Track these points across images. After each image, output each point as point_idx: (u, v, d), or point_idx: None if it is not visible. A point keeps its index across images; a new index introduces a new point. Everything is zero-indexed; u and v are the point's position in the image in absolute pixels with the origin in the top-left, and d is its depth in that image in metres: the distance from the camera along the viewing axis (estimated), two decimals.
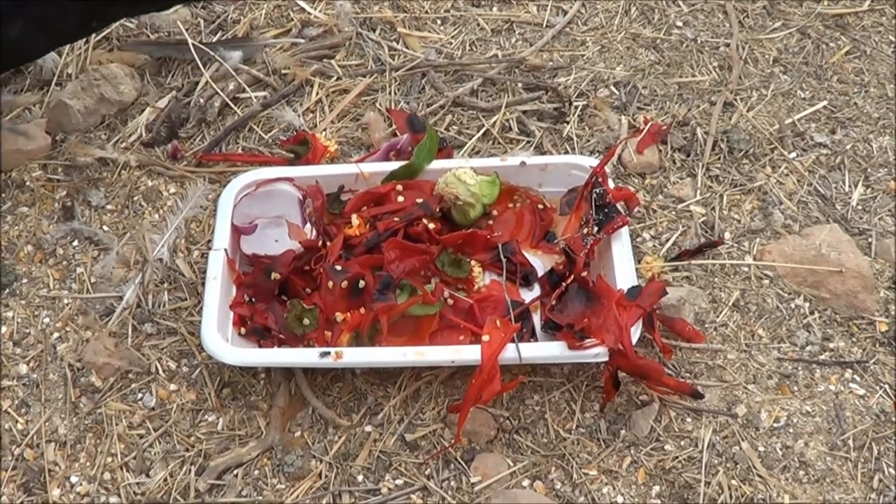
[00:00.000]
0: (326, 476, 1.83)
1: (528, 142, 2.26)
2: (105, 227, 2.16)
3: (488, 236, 2.04)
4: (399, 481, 1.82)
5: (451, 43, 2.49)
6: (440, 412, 1.89)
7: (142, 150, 2.28)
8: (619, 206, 2.00)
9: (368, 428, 1.88)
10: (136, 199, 2.20)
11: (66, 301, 2.05)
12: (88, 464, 1.86)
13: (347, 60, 2.45)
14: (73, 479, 1.84)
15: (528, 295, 1.99)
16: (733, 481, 1.80)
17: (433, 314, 1.92)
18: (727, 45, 2.47)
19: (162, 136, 2.30)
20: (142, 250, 2.09)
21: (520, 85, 2.37)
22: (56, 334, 2.01)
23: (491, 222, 2.08)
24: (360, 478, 1.82)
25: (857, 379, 1.93)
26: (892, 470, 1.82)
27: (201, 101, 2.35)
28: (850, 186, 2.20)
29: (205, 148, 2.26)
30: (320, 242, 2.01)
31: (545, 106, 2.33)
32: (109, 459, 1.86)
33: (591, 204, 1.98)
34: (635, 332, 1.81)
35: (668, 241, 2.10)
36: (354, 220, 2.04)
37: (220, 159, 2.25)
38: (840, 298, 2.01)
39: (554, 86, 2.35)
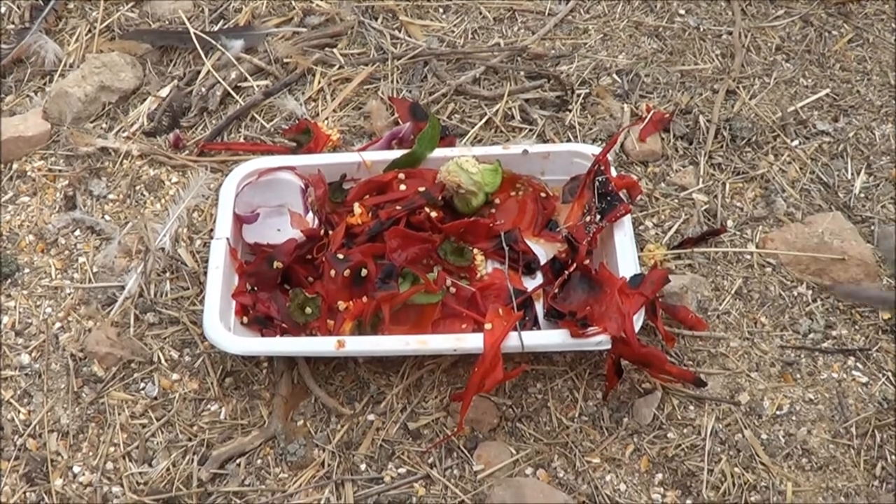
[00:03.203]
0: (329, 465, 1.83)
1: (530, 130, 2.25)
2: (107, 217, 2.15)
3: (491, 224, 2.03)
4: (402, 470, 1.82)
5: (453, 31, 2.48)
6: (443, 400, 1.89)
7: (143, 139, 2.28)
8: (622, 194, 2.00)
9: (371, 416, 1.88)
10: (137, 188, 2.20)
11: (67, 291, 2.05)
12: (91, 453, 1.86)
13: (349, 49, 2.45)
14: (76, 469, 1.84)
15: (531, 283, 1.99)
16: (736, 469, 1.80)
17: (435, 303, 1.91)
18: (729, 34, 2.46)
19: (164, 126, 2.30)
20: (144, 240, 2.09)
21: (522, 73, 2.37)
22: (58, 324, 2.01)
23: (493, 210, 2.08)
24: (362, 466, 1.82)
25: (860, 367, 1.93)
26: (894, 457, 1.82)
27: (203, 89, 2.35)
28: (852, 174, 2.20)
29: (206, 137, 2.26)
30: (322, 231, 2.01)
31: (548, 94, 2.32)
32: (112, 449, 1.86)
33: (593, 192, 1.98)
34: (638, 320, 1.81)
35: (670, 229, 2.10)
36: (356, 208, 2.03)
37: (221, 148, 2.25)
38: (843, 286, 2.00)
39: (556, 74, 2.34)
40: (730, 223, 2.11)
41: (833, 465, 1.81)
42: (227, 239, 1.97)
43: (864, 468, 1.81)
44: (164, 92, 2.35)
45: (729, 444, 1.83)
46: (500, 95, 2.31)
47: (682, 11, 2.52)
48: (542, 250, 2.04)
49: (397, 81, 2.36)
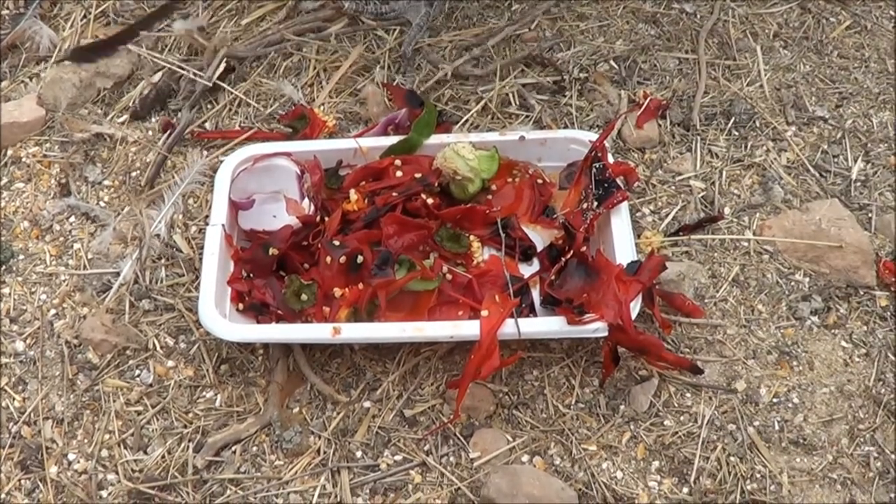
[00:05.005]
0: (325, 452, 1.82)
1: (527, 116, 2.25)
2: (102, 203, 2.15)
3: (487, 211, 2.03)
4: (398, 457, 1.82)
5: (447, 17, 2.47)
6: (439, 388, 1.89)
7: (139, 124, 2.27)
8: (619, 180, 1.99)
9: (367, 404, 1.87)
10: (133, 174, 2.19)
11: (63, 277, 2.05)
12: (86, 441, 1.85)
13: (343, 31, 2.43)
14: (71, 457, 1.84)
15: (528, 270, 1.99)
16: (732, 457, 1.80)
17: (432, 289, 1.91)
18: (726, 21, 2.45)
19: (147, 108, 2.28)
20: (139, 226, 2.08)
21: (517, 58, 2.36)
22: (53, 311, 2.00)
23: (490, 197, 2.07)
24: (358, 454, 1.82)
25: (858, 354, 1.92)
26: (891, 446, 1.82)
27: (192, 73, 2.33)
28: (850, 161, 2.19)
29: (180, 128, 2.25)
30: (318, 217, 2.01)
31: (544, 79, 2.31)
32: (107, 436, 1.85)
33: (590, 178, 1.97)
34: (635, 307, 1.81)
35: (667, 215, 2.10)
36: (353, 195, 2.03)
37: (217, 136, 2.24)
38: (840, 273, 2.00)
39: (553, 60, 2.34)
40: (727, 210, 2.11)
41: (829, 453, 1.81)
42: (223, 225, 1.96)
43: (860, 456, 1.81)
44: (157, 77, 2.34)
45: (725, 431, 1.83)
46: (493, 72, 2.30)
47: None
48: (539, 237, 2.04)
49: (391, 67, 2.35)
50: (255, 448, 1.83)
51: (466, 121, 2.24)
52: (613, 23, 2.45)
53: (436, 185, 2.03)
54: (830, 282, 2.00)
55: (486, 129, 2.22)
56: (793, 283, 2.00)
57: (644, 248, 2.02)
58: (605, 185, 1.96)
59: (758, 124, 2.24)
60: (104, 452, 1.84)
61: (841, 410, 1.86)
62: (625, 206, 1.96)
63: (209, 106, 2.30)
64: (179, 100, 2.30)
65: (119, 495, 1.79)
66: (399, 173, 2.06)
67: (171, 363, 1.93)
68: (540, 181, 2.09)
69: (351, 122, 2.26)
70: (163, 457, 1.82)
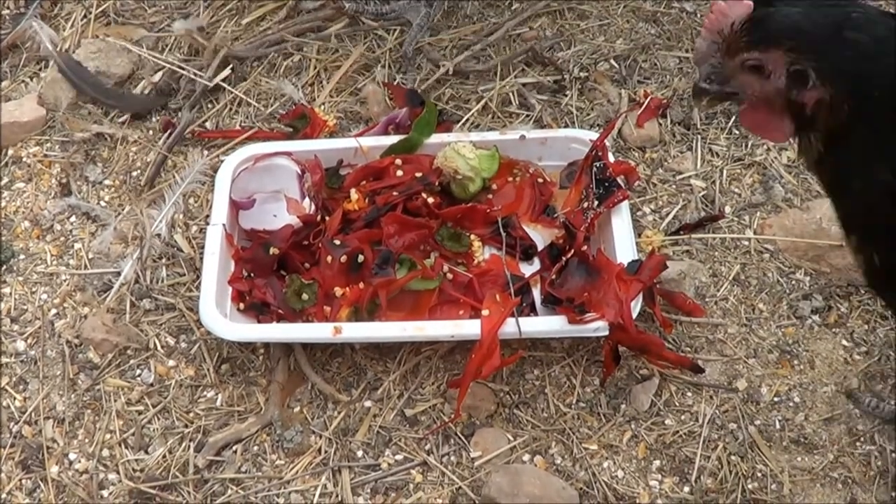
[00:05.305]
0: (326, 451, 1.82)
1: (527, 115, 2.24)
2: (103, 203, 2.15)
3: (488, 210, 2.03)
4: (399, 456, 1.82)
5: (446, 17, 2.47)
6: (440, 387, 1.89)
7: (139, 124, 2.27)
8: (620, 179, 1.99)
9: (368, 403, 1.87)
10: (133, 174, 2.19)
11: (63, 277, 2.05)
12: (87, 440, 1.85)
13: (344, 31, 2.43)
14: (72, 456, 1.83)
15: (528, 269, 1.99)
16: (733, 456, 1.80)
17: (433, 289, 1.91)
18: None
19: (150, 108, 2.29)
20: (140, 226, 2.08)
21: (519, 59, 2.35)
22: (54, 310, 2.00)
23: (490, 196, 2.07)
24: (359, 453, 1.82)
25: (858, 353, 1.92)
26: (891, 445, 1.82)
27: (192, 73, 2.33)
28: None
29: (181, 127, 2.25)
30: (319, 217, 2.01)
31: (545, 79, 2.31)
32: (108, 436, 1.85)
33: (591, 178, 1.97)
34: (635, 307, 1.81)
35: (668, 214, 2.09)
36: (353, 194, 2.03)
37: (218, 136, 2.24)
38: (841, 272, 2.00)
39: (553, 59, 2.33)
40: (728, 209, 2.10)
41: (830, 452, 1.81)
42: (224, 225, 1.96)
43: (861, 455, 1.81)
44: (157, 77, 2.34)
45: (726, 430, 1.83)
46: (494, 67, 2.31)
47: None
48: (540, 236, 2.04)
49: (392, 66, 2.35)
50: (256, 447, 1.83)
51: (467, 120, 2.24)
52: (614, 22, 2.45)
53: (436, 184, 2.03)
54: (831, 280, 2.00)
55: (487, 128, 2.22)
56: (794, 282, 2.00)
57: (645, 247, 2.02)
58: (606, 184, 1.96)
59: None
60: (105, 452, 1.84)
61: (842, 409, 1.86)
62: (625, 205, 1.96)
63: (209, 105, 2.30)
64: (180, 99, 2.30)
65: (120, 495, 1.79)
66: (400, 172, 2.05)
67: (171, 363, 1.93)
68: (540, 180, 2.09)
69: (351, 121, 2.26)
70: (164, 456, 1.82)
